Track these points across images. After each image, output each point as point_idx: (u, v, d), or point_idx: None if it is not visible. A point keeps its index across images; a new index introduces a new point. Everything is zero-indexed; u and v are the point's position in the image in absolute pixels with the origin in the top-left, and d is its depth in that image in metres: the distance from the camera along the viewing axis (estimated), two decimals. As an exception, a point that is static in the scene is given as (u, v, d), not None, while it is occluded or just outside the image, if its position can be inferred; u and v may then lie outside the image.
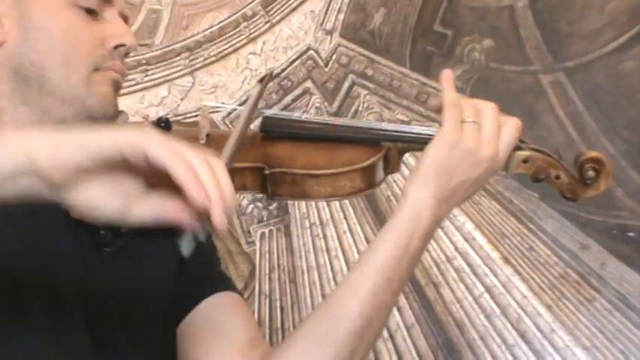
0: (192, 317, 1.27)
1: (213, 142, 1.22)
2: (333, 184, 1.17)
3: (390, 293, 1.20)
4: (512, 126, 1.20)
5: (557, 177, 1.24)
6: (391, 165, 1.25)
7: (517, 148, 1.23)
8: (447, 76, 1.22)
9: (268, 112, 1.29)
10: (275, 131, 1.25)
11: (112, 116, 1.22)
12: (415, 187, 1.19)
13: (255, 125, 1.28)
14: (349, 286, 1.21)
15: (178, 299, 1.27)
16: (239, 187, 1.17)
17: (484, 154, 1.18)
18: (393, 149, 1.24)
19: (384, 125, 1.27)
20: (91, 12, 1.21)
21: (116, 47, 1.22)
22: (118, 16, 1.24)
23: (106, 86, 1.21)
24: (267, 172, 1.16)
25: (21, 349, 1.08)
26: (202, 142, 1.23)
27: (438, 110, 1.21)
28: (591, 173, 1.23)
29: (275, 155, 1.19)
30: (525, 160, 1.23)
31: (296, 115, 1.28)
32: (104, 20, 1.22)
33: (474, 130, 1.18)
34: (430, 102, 1.28)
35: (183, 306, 1.27)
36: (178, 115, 2.41)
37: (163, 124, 1.25)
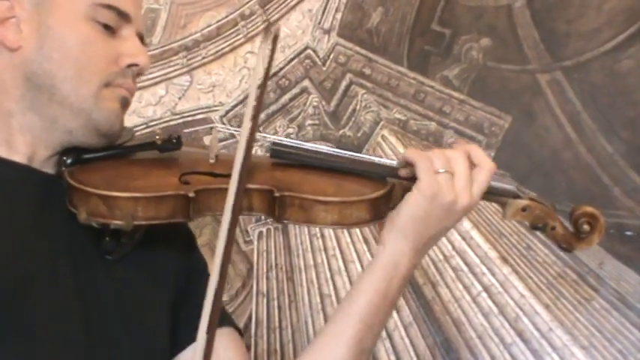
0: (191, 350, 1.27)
1: (222, 162, 1.24)
2: (340, 212, 1.19)
3: (372, 338, 1.24)
4: (486, 170, 1.23)
5: (553, 228, 1.29)
6: (393, 201, 1.26)
7: (516, 196, 1.27)
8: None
9: (278, 139, 1.30)
10: (285, 158, 1.27)
11: (118, 131, 1.24)
12: (393, 237, 1.22)
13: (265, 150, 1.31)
14: (333, 334, 1.24)
15: (178, 327, 1.28)
16: (246, 208, 1.19)
17: (461, 205, 1.21)
18: (397, 186, 1.25)
19: (391, 162, 1.28)
20: (108, 28, 1.22)
21: (129, 66, 1.23)
22: (134, 35, 1.25)
23: (114, 102, 1.22)
24: (276, 194, 1.18)
25: (19, 346, 1.09)
26: (212, 161, 1.25)
27: (402, 169, 1.23)
28: (586, 227, 1.27)
29: (284, 180, 1.21)
30: (524, 209, 1.27)
31: (306, 144, 1.30)
32: (121, 38, 1.23)
33: (447, 180, 1.20)
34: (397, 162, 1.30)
35: (181, 338, 1.28)
36: (176, 114, 2.41)
37: (175, 141, 1.26)
